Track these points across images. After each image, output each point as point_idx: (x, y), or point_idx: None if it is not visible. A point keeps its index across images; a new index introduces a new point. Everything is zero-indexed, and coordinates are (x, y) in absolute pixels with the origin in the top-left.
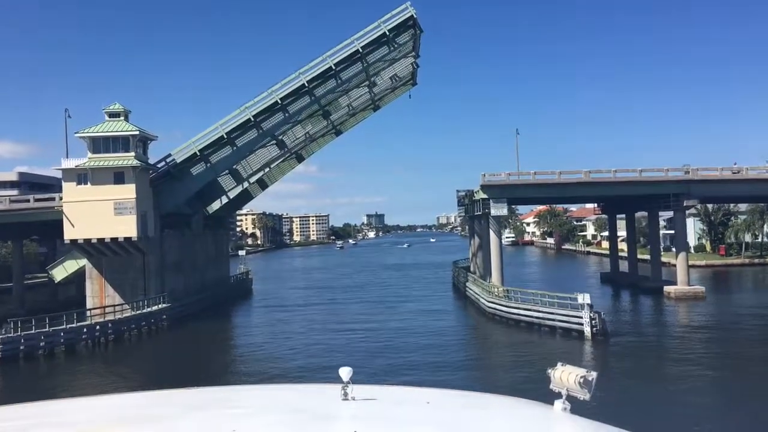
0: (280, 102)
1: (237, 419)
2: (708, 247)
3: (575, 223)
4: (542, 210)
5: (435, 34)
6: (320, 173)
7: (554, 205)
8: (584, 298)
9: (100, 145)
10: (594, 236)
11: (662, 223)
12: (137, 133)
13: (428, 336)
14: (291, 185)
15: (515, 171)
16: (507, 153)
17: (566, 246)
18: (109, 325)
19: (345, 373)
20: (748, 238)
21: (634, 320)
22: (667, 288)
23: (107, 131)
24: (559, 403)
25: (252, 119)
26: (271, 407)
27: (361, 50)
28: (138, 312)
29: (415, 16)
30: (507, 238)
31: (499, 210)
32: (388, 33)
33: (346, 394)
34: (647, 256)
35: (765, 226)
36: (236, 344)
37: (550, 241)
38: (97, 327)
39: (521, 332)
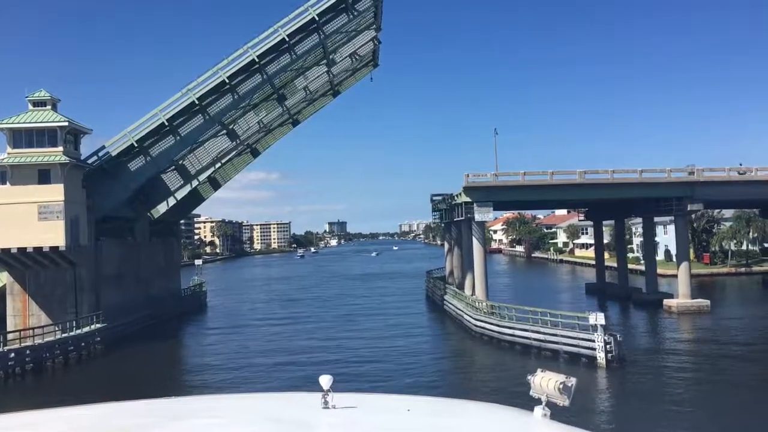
0: (227, 81)
1: (215, 429)
2: (691, 256)
3: (545, 230)
4: (510, 217)
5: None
6: (281, 181)
7: (523, 212)
8: (597, 318)
9: (21, 138)
10: (565, 244)
11: (638, 230)
12: (66, 124)
13: (406, 363)
14: (252, 193)
15: (503, 171)
16: (480, 158)
17: (537, 254)
18: (28, 351)
19: (325, 381)
20: (732, 246)
21: (645, 341)
22: (667, 301)
23: (30, 122)
24: (539, 410)
25: (196, 102)
26: (250, 416)
27: (317, 18)
28: (66, 335)
29: None
30: None
31: (484, 215)
32: None
33: (326, 403)
34: (633, 266)
35: (750, 233)
36: (182, 371)
37: (520, 249)
38: (12, 355)
39: (517, 357)
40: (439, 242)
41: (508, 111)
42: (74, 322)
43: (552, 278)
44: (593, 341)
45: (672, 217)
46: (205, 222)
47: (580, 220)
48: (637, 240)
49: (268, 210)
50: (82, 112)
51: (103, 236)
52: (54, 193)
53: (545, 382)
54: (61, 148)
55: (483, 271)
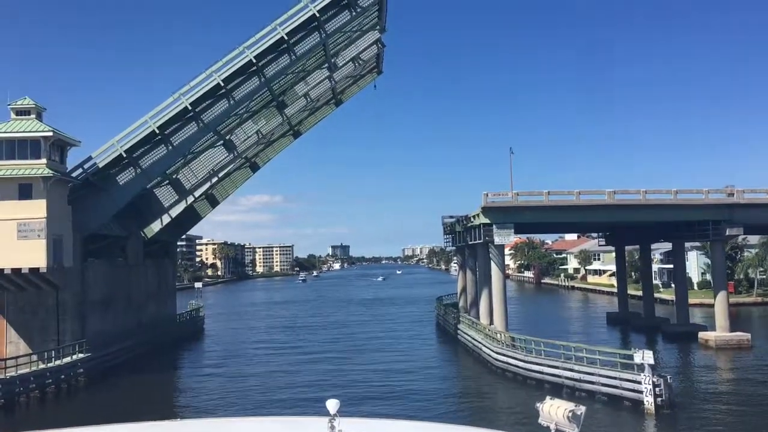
0: (222, 84)
1: None
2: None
3: (555, 256)
4: (519, 241)
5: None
6: (285, 203)
7: (531, 236)
8: (645, 357)
9: (1, 149)
10: (576, 270)
11: (658, 256)
12: (50, 134)
13: (418, 402)
14: (255, 215)
15: (525, 191)
16: (488, 181)
17: (546, 280)
18: None
19: (332, 405)
20: (758, 274)
21: (690, 381)
22: (703, 334)
23: (11, 131)
24: None
25: (189, 108)
26: None
27: (317, 14)
28: (44, 366)
29: None
30: None
31: (504, 237)
32: None
33: (333, 428)
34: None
35: None
36: (169, 408)
37: (528, 274)
38: None
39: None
40: (443, 267)
41: (516, 129)
42: (54, 352)
43: (566, 306)
44: (639, 383)
45: (693, 243)
46: (206, 244)
47: (600, 245)
48: (654, 267)
49: (271, 233)
50: (74, 124)
51: (91, 257)
52: (35, 209)
53: (554, 410)
54: (44, 161)
55: (502, 299)
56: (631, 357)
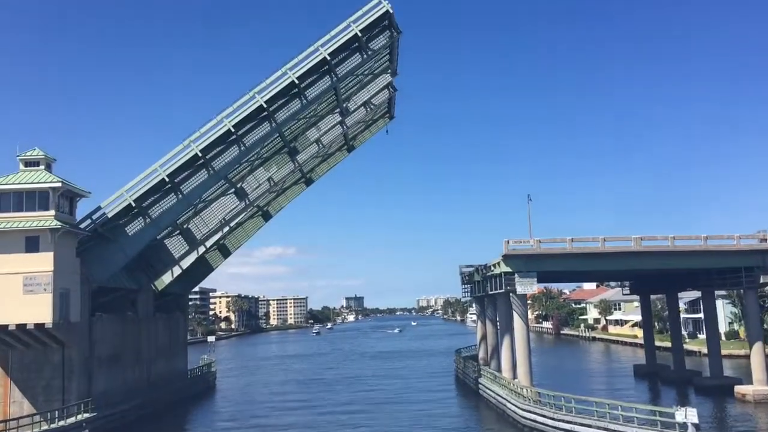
0: (233, 130)
1: None
2: (742, 334)
3: (574, 305)
4: (537, 291)
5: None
6: (299, 255)
7: (548, 286)
8: (688, 415)
9: (9, 201)
10: (596, 320)
11: (682, 306)
12: (59, 185)
13: None
14: (269, 268)
15: (547, 238)
16: (505, 231)
17: (565, 330)
18: None
19: None
20: None
21: None
22: (739, 388)
23: (19, 183)
24: None
25: (199, 155)
26: None
27: (328, 58)
28: (47, 428)
29: (390, 11)
30: None
31: (526, 287)
32: (359, 34)
33: None
34: (665, 343)
35: None
36: None
37: (547, 325)
38: None
39: None
40: (458, 318)
41: (533, 176)
42: (59, 412)
43: (588, 358)
44: None
45: (719, 292)
46: (220, 297)
47: (624, 294)
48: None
49: (285, 285)
50: (86, 175)
51: (99, 311)
52: (42, 262)
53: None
54: (52, 212)
55: (527, 352)
56: (671, 415)
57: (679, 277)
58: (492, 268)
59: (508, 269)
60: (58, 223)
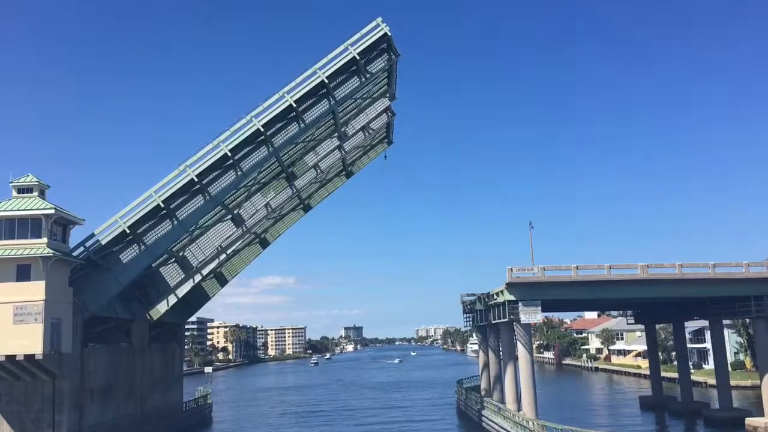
0: (230, 155)
1: None
2: (748, 364)
3: (575, 335)
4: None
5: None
6: (298, 285)
7: (549, 315)
8: None
9: (1, 228)
10: (599, 350)
11: (686, 335)
12: (52, 212)
13: None
14: (267, 297)
15: (552, 265)
16: (506, 260)
17: (567, 361)
18: None
19: None
20: None
21: None
22: (751, 420)
23: (12, 210)
24: None
25: (195, 180)
26: None
27: (326, 81)
28: None
29: (388, 33)
30: None
31: (531, 315)
32: (358, 57)
33: None
34: (672, 374)
35: None
36: None
37: (548, 355)
38: None
39: None
40: (458, 348)
41: (535, 203)
42: None
43: (592, 389)
44: None
45: (724, 321)
46: (218, 327)
47: (629, 324)
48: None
49: (283, 315)
50: (82, 203)
51: (92, 341)
52: (33, 291)
53: None
54: (45, 240)
55: (531, 383)
56: None
57: (686, 305)
58: (495, 296)
59: (512, 297)
60: (51, 250)
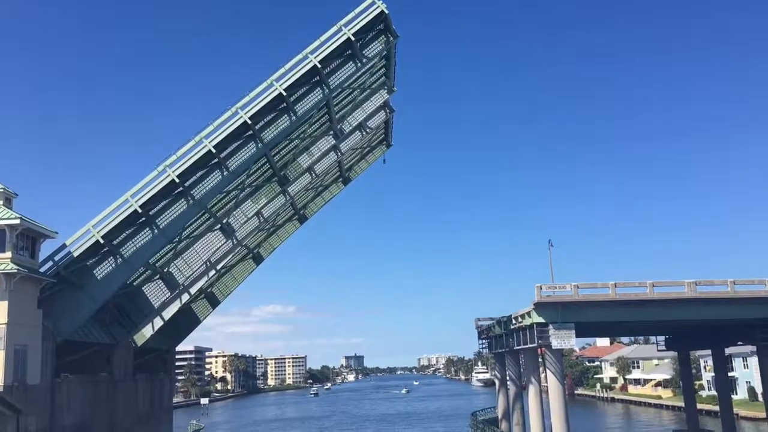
0: (214, 152)
1: None
2: None
3: (587, 363)
4: (573, 346)
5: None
6: (298, 314)
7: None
8: None
9: None
10: (613, 379)
11: (708, 362)
12: (17, 222)
13: None
14: (267, 327)
15: (587, 283)
16: (518, 285)
17: (580, 391)
18: None
19: None
20: None
21: None
22: None
23: None
24: None
25: (177, 181)
26: None
27: (319, 66)
28: None
29: (386, 12)
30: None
31: (563, 340)
32: (353, 39)
33: None
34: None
35: None
36: None
37: None
38: None
39: None
40: (462, 377)
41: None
42: None
43: (612, 422)
44: None
45: (754, 348)
46: (216, 356)
47: (659, 350)
48: (707, 375)
49: (283, 344)
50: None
51: (66, 370)
52: None
53: None
54: (9, 254)
55: (564, 418)
56: None
57: (727, 328)
58: (520, 319)
59: (541, 320)
60: (15, 266)
